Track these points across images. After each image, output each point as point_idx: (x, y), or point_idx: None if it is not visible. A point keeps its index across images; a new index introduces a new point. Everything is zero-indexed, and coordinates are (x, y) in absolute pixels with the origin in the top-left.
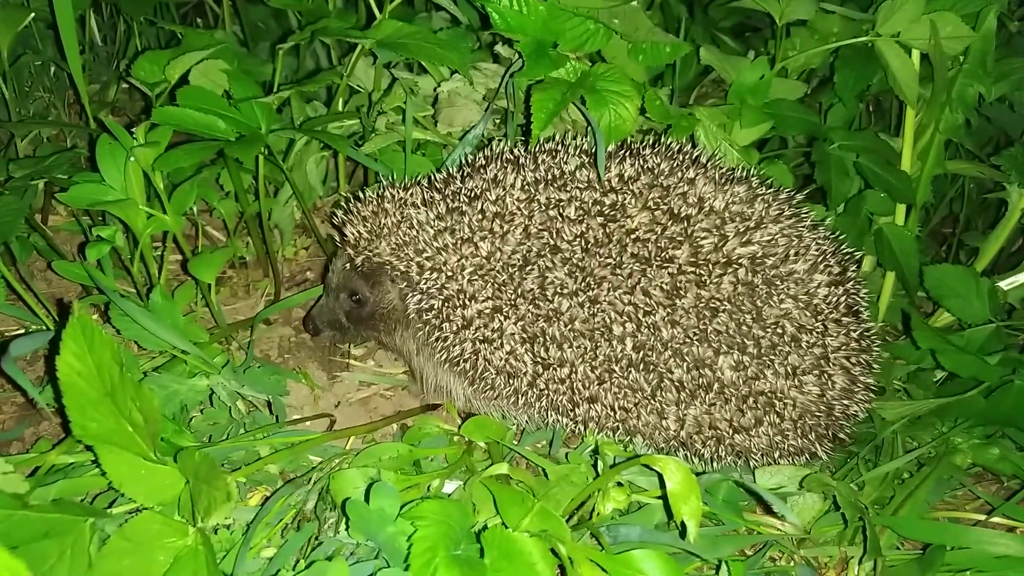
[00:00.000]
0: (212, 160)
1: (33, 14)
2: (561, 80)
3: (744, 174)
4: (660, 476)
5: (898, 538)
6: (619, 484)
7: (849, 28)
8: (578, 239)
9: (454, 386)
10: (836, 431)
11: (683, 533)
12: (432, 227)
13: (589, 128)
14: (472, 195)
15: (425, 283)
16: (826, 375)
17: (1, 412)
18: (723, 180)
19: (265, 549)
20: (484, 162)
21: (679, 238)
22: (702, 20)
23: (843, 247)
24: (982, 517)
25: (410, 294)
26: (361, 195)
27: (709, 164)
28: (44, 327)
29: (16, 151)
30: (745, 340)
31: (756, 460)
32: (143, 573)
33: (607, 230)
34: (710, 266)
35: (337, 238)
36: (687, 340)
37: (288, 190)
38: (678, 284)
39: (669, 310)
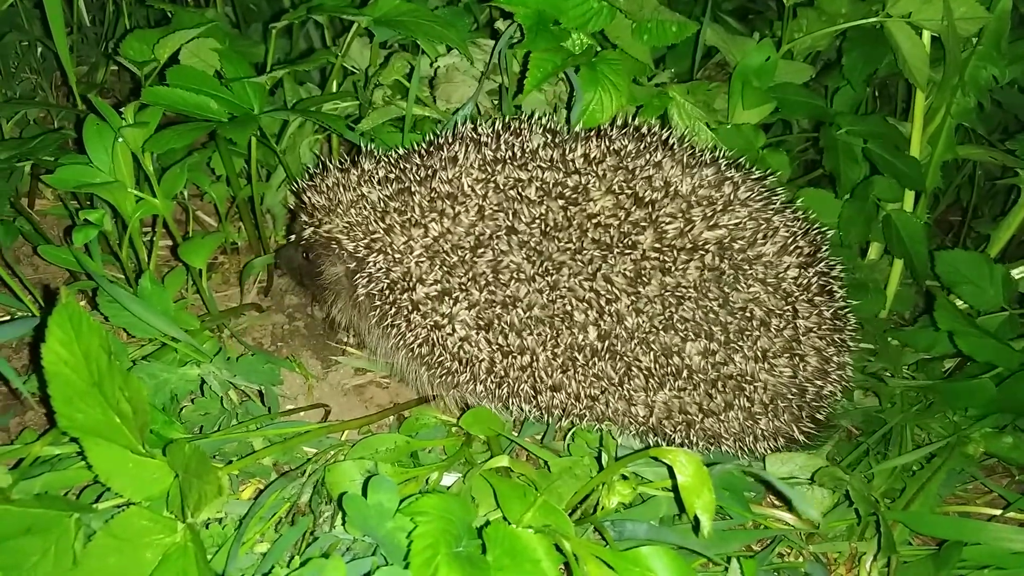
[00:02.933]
0: (203, 143)
1: None
2: (565, 48)
3: (714, 156)
4: (668, 467)
5: (910, 533)
6: (624, 477)
7: (858, 9)
8: (537, 221)
9: (414, 371)
10: (811, 412)
11: (696, 528)
12: (381, 207)
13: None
14: (424, 175)
15: (372, 265)
16: (797, 356)
17: None
18: (691, 163)
19: (258, 544)
20: (445, 140)
21: (643, 223)
22: (704, 1)
23: (814, 227)
24: (994, 511)
25: (358, 275)
26: (329, 164)
27: (678, 146)
28: (30, 313)
29: (1, 133)
30: (712, 327)
31: (728, 444)
32: (130, 571)
33: (568, 213)
34: (675, 252)
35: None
36: (653, 328)
37: (281, 174)
38: (641, 271)
39: (633, 298)
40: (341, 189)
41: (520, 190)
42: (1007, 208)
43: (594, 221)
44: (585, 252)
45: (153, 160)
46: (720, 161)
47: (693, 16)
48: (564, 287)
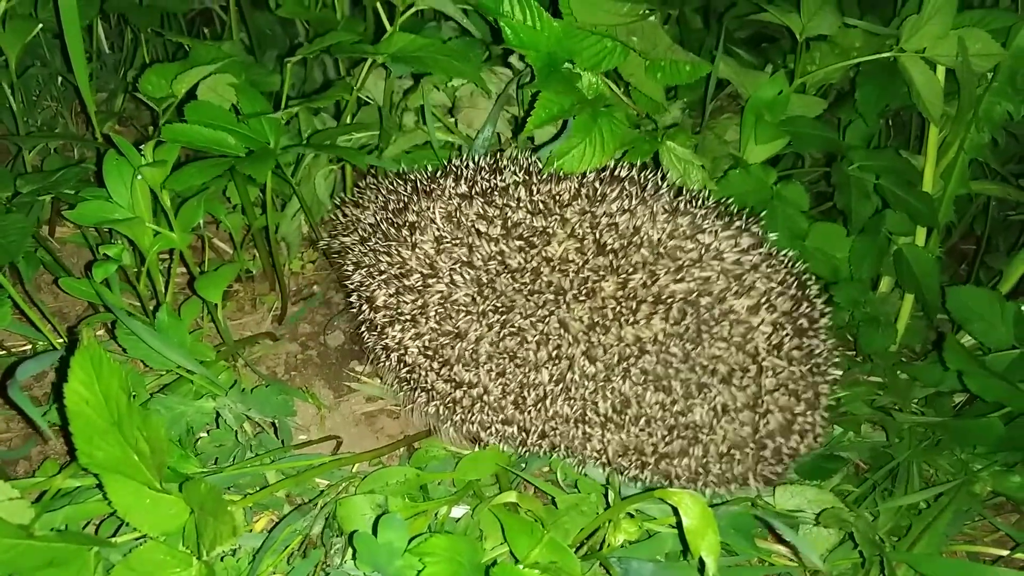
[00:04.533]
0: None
1: (41, 25)
2: (578, 92)
3: (698, 203)
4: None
5: (915, 574)
6: (630, 515)
7: (872, 43)
8: (494, 259)
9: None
10: (771, 466)
11: (701, 569)
12: (369, 231)
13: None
14: (401, 204)
15: (356, 282)
16: (759, 413)
17: (8, 431)
18: (666, 210)
19: None
20: (432, 171)
21: (603, 271)
22: (717, 31)
23: (802, 277)
24: (1001, 551)
25: (352, 288)
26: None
27: (659, 191)
28: (50, 344)
29: (24, 162)
30: (672, 381)
31: (682, 484)
32: None
33: (525, 254)
34: (636, 303)
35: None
36: (608, 377)
37: (295, 204)
38: (599, 319)
39: (587, 345)
40: (348, 211)
41: (482, 226)
42: (1021, 241)
43: (551, 264)
44: (539, 295)
45: (170, 193)
46: (702, 210)
47: (706, 46)
48: (514, 326)
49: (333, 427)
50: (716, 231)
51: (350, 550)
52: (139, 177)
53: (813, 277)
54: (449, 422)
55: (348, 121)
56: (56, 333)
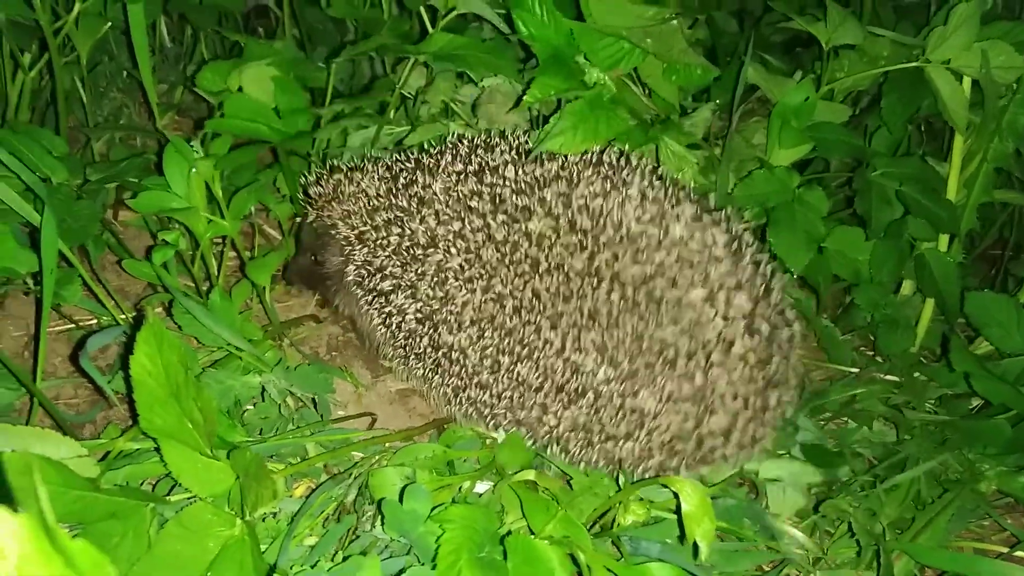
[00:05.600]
0: (269, 164)
1: (110, 23)
2: (580, 83)
3: (676, 193)
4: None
5: (916, 565)
6: (640, 499)
7: (899, 52)
8: (482, 231)
9: (388, 351)
10: (703, 464)
11: (696, 553)
12: (374, 203)
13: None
14: (408, 179)
15: (357, 254)
16: (703, 409)
17: (75, 396)
18: (638, 197)
19: (308, 538)
20: (437, 150)
21: (571, 248)
22: (752, 35)
23: (772, 281)
24: (1008, 549)
25: (348, 263)
26: (339, 163)
27: (631, 178)
28: (113, 319)
29: (92, 151)
30: (618, 356)
31: (628, 467)
32: (195, 558)
33: (508, 228)
34: (596, 280)
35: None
36: (564, 346)
37: None
38: (563, 292)
39: (552, 314)
40: (345, 183)
41: (474, 202)
42: None
43: (530, 239)
44: (518, 265)
45: (223, 180)
46: (678, 200)
47: (739, 51)
48: (495, 292)
49: (369, 404)
50: (686, 221)
51: (380, 517)
52: (194, 170)
53: (785, 284)
54: (433, 385)
55: (391, 115)
56: (119, 309)
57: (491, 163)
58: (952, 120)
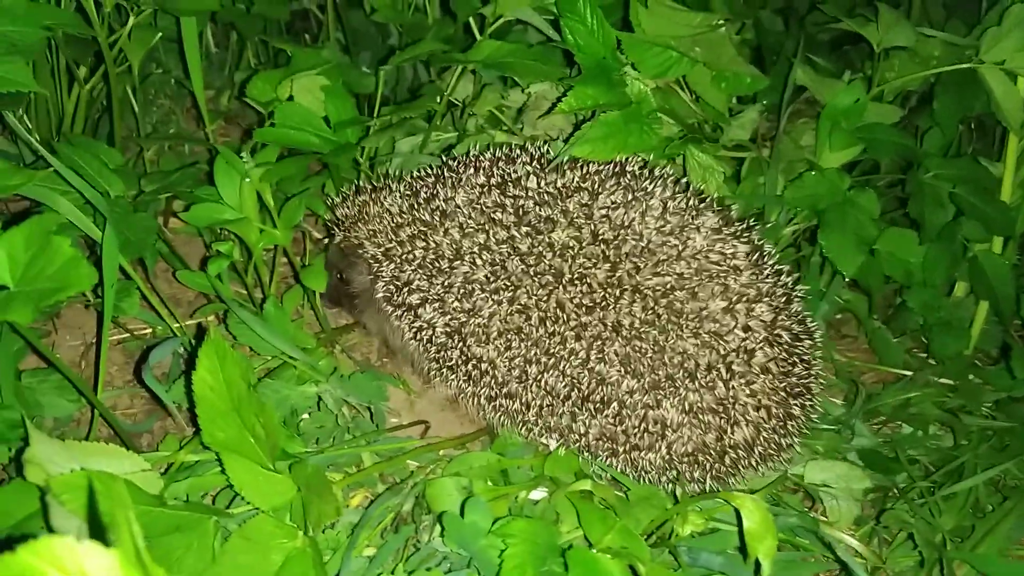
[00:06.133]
0: (318, 171)
1: (161, 34)
2: (620, 94)
3: (697, 205)
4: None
5: (977, 575)
6: (698, 509)
7: (951, 53)
8: (506, 243)
9: (423, 366)
10: (727, 476)
11: (758, 570)
12: (397, 219)
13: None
14: (430, 194)
15: (384, 271)
16: (725, 420)
17: (132, 406)
18: (659, 208)
19: (366, 549)
20: (458, 163)
21: (594, 259)
22: (797, 35)
23: (792, 293)
24: None
25: (377, 280)
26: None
27: (653, 189)
28: (168, 328)
29: (143, 160)
30: (640, 367)
31: (651, 475)
32: (259, 570)
33: (532, 240)
34: (618, 291)
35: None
36: (588, 356)
37: None
38: (586, 303)
39: (576, 324)
40: (370, 204)
41: (497, 214)
42: None
43: (553, 250)
44: (542, 276)
45: (272, 189)
46: (700, 211)
47: (786, 49)
48: (521, 303)
49: (421, 411)
50: (707, 233)
51: (438, 527)
52: (247, 180)
53: (804, 297)
54: (467, 395)
55: (439, 122)
56: (173, 318)
57: (513, 175)
58: (1006, 120)
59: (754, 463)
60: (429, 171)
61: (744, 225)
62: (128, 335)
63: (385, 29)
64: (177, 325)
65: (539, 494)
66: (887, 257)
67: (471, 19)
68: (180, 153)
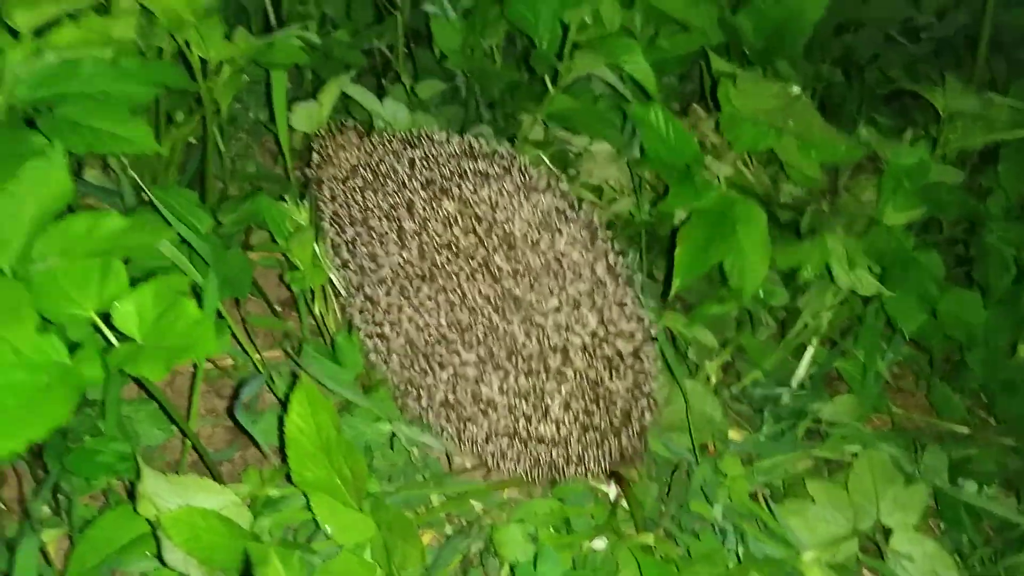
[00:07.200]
0: None
1: (247, 77)
2: (710, 213)
3: (575, 212)
4: None
5: None
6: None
7: (1018, 117)
8: (403, 206)
9: None
10: (542, 468)
11: None
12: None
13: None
14: (389, 168)
15: (329, 218)
16: (535, 412)
17: (212, 435)
18: (545, 207)
19: None
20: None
21: (467, 232)
22: (859, 88)
23: (629, 309)
24: None
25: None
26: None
27: (545, 190)
28: (249, 359)
29: (227, 197)
30: (473, 339)
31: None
32: None
33: (425, 207)
34: (473, 262)
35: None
36: (440, 320)
37: None
38: (450, 268)
39: (437, 287)
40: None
41: (412, 182)
42: None
43: (438, 218)
44: (432, 239)
45: None
46: (573, 220)
47: (847, 103)
48: (403, 257)
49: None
50: (570, 239)
51: (506, 568)
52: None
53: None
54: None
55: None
56: (254, 347)
57: (444, 173)
58: None
59: (559, 464)
60: (408, 136)
61: (611, 244)
62: (211, 365)
63: (450, 71)
64: (258, 356)
65: (600, 543)
66: (949, 318)
67: (547, 79)
68: (257, 188)
